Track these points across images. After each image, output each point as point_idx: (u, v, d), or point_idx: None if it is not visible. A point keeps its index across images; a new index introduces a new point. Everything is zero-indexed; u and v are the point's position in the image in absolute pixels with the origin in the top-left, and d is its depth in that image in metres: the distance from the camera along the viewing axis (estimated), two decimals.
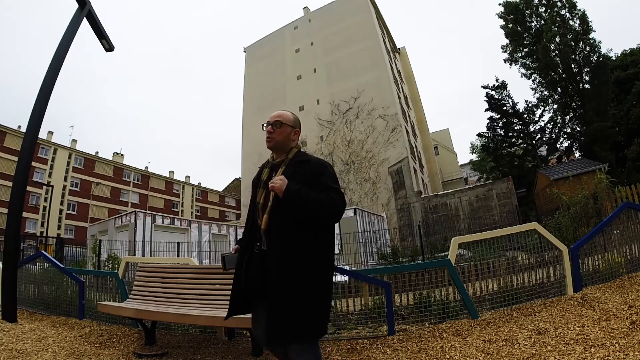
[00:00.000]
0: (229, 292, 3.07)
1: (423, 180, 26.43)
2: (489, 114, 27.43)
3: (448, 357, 2.56)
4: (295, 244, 1.57)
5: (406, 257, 11.27)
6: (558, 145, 26.58)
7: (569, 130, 26.38)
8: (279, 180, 1.58)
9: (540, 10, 26.06)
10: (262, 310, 1.63)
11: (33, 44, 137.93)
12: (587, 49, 23.86)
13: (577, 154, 24.92)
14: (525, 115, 27.20)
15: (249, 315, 2.66)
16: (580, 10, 24.11)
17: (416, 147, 27.51)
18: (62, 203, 36.06)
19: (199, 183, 53.79)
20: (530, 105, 27.44)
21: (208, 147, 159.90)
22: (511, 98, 27.06)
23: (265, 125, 1.83)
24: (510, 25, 27.41)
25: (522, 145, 27.50)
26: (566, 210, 6.14)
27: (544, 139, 26.98)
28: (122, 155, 44.50)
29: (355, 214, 13.60)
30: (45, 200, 33.29)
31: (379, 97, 24.33)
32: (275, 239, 1.59)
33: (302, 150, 1.90)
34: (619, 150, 22.23)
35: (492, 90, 27.14)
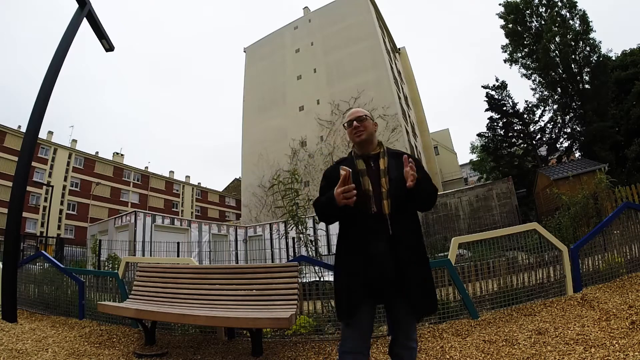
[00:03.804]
0: (229, 292, 3.12)
1: None
2: (489, 114, 27.46)
3: (448, 357, 2.56)
4: (414, 226, 1.75)
5: None
6: (558, 145, 26.55)
7: (569, 130, 26.36)
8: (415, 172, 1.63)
9: (540, 10, 26.06)
10: (394, 298, 1.67)
11: (33, 44, 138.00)
12: (587, 49, 23.84)
13: (577, 154, 24.88)
14: (525, 115, 27.19)
15: (249, 315, 2.68)
16: (580, 10, 24.11)
17: (416, 147, 27.51)
18: (62, 203, 36.03)
19: (199, 183, 53.81)
20: (530, 105, 27.45)
21: (208, 147, 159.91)
22: (511, 98, 27.08)
23: (348, 124, 1.88)
24: (510, 25, 27.40)
25: (522, 145, 27.48)
26: (566, 210, 6.13)
27: (544, 139, 26.97)
28: (122, 155, 44.48)
29: None
30: (45, 200, 33.27)
31: (379, 97, 24.31)
32: (401, 223, 1.68)
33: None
34: (619, 150, 22.21)
35: (492, 90, 27.15)
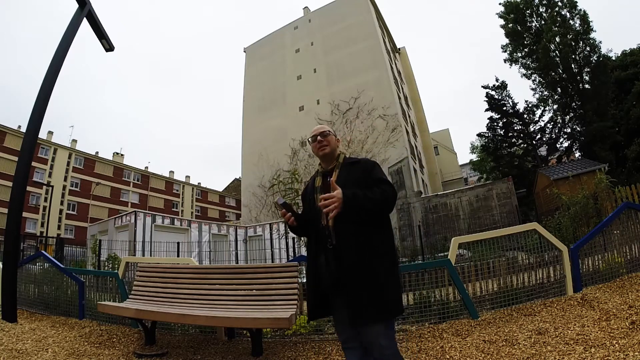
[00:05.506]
0: (229, 292, 3.12)
1: (423, 180, 26.41)
2: (489, 114, 27.48)
3: (448, 357, 2.56)
4: (361, 235, 1.71)
5: (406, 257, 11.28)
6: (558, 145, 26.56)
7: (569, 130, 26.37)
8: (334, 198, 1.61)
9: (540, 10, 26.06)
10: (341, 303, 1.74)
11: (33, 44, 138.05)
12: (587, 49, 23.84)
13: (577, 154, 24.89)
14: (525, 115, 27.21)
15: (249, 315, 2.68)
16: (580, 10, 24.11)
17: (416, 147, 27.49)
18: (62, 203, 36.03)
19: (199, 183, 53.80)
20: (530, 105, 27.48)
21: (208, 147, 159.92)
22: (511, 98, 27.11)
23: (312, 139, 1.98)
24: (510, 25, 27.40)
25: (522, 145, 27.49)
26: (566, 210, 6.13)
27: (544, 139, 26.98)
28: (122, 155, 44.48)
29: None
30: (45, 200, 33.27)
31: (379, 97, 24.29)
32: (343, 234, 1.72)
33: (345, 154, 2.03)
34: (619, 150, 22.22)
35: (492, 90, 27.16)
